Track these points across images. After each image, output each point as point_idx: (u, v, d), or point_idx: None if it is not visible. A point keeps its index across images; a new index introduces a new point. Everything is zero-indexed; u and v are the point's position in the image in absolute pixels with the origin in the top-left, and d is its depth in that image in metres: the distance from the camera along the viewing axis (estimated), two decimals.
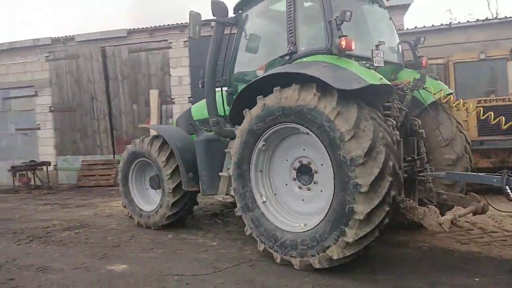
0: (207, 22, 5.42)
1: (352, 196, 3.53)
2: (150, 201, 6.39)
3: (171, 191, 5.74)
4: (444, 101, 4.86)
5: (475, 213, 4.31)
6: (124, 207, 6.70)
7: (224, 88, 5.58)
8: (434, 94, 4.81)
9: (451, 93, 5.04)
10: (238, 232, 5.48)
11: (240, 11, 5.41)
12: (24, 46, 13.86)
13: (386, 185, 3.54)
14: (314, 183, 4.22)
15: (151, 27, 12.88)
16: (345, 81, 3.69)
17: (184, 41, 12.73)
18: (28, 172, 12.84)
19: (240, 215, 4.54)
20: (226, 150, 5.15)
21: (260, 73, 4.82)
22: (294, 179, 4.38)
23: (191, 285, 3.78)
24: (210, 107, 5.42)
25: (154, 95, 12.71)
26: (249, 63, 5.32)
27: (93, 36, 13.26)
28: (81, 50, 13.35)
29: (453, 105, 4.92)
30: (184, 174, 5.65)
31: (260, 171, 4.51)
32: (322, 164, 4.07)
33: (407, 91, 4.69)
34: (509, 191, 3.55)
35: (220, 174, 5.27)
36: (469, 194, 4.48)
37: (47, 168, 12.94)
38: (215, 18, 5.28)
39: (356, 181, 3.51)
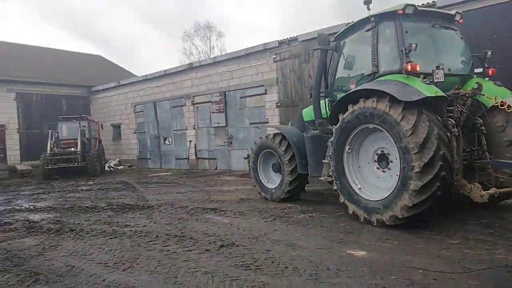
0: (315, 50, 7.60)
1: (410, 174, 5.13)
2: (273, 182, 8.79)
3: (289, 171, 8.00)
4: (496, 104, 5.83)
5: None
6: (254, 186, 9.17)
7: (327, 98, 7.49)
8: (488, 99, 5.92)
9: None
10: (482, 233, 4.97)
11: (339, 40, 7.31)
12: (256, 50, 15.92)
13: (436, 168, 5.03)
14: (390, 162, 5.83)
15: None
16: (408, 94, 5.26)
17: None
18: None
19: (336, 188, 6.45)
20: (327, 143, 6.74)
21: (352, 87, 6.54)
22: (376, 166, 6.07)
23: (440, 282, 3.64)
24: (316, 111, 7.50)
25: None
26: (345, 79, 7.07)
27: (313, 34, 14.10)
28: None
29: (502, 108, 5.77)
30: (299, 161, 7.85)
31: (350, 153, 6.26)
32: (396, 158, 5.58)
33: (468, 97, 5.90)
34: None
35: (323, 161, 7.16)
36: None
37: None
38: (320, 46, 7.34)
39: (413, 164, 5.10)
